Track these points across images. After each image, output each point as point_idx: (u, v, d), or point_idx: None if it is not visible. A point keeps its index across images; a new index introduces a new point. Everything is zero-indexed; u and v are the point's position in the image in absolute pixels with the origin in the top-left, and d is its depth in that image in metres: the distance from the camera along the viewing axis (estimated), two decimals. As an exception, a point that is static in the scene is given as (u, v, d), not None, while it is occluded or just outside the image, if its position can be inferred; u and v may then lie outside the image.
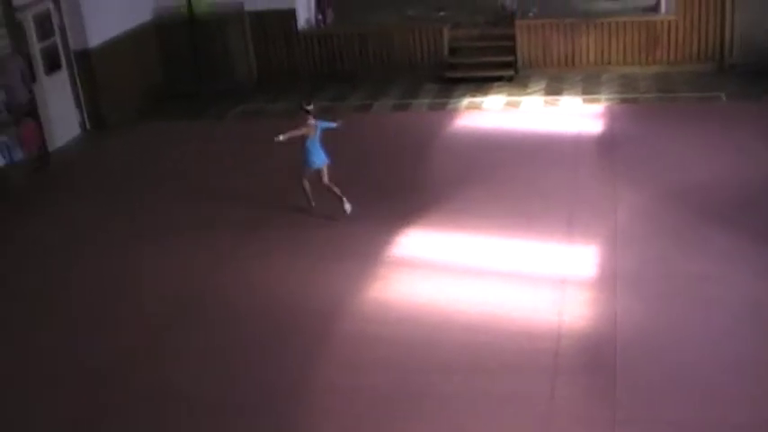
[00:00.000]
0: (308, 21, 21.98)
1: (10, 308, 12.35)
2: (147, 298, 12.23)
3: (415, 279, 12.03)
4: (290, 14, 21.50)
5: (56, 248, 14.01)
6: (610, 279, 11.52)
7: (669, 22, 20.08)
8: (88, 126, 19.64)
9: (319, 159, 13.80)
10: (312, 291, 11.95)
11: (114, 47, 19.98)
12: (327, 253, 12.97)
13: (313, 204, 14.15)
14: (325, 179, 13.88)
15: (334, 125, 14.03)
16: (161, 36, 21.80)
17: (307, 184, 14.06)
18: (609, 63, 20.52)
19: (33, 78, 17.48)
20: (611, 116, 17.59)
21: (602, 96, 18.90)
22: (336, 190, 13.87)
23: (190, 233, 14.03)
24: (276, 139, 13.49)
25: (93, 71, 19.37)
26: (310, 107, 13.73)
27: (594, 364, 9.85)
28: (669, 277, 11.50)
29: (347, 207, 13.89)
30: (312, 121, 13.71)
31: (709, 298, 10.95)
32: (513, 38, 20.81)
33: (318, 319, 11.24)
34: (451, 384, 9.77)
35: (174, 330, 11.39)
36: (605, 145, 16.13)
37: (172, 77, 21.85)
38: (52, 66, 18.64)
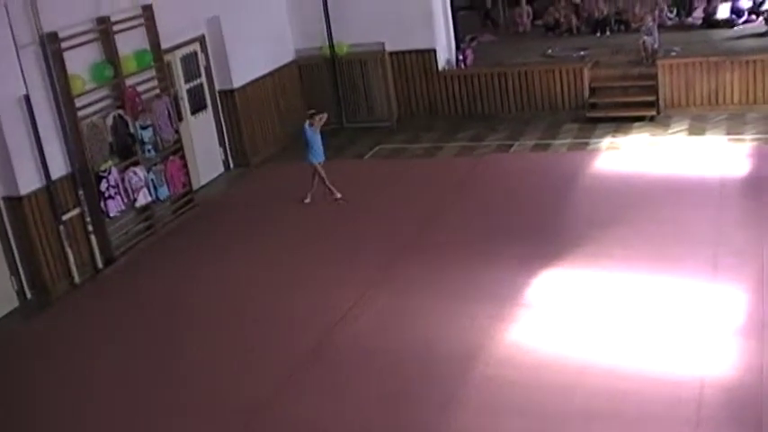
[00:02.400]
0: (448, 61, 22.13)
1: (155, 338, 12.70)
2: (284, 336, 12.40)
3: (554, 322, 11.88)
4: (431, 54, 21.66)
5: (202, 291, 14.37)
6: (757, 326, 11.15)
7: (818, 59, 19.52)
8: (231, 165, 20.09)
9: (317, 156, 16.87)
10: (448, 333, 11.90)
11: (257, 87, 20.47)
12: (464, 294, 12.93)
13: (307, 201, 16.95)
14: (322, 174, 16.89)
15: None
16: (303, 76, 22.22)
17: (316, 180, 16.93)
18: (755, 102, 20.00)
19: (180, 118, 17.98)
20: (758, 157, 17.11)
21: (748, 136, 18.42)
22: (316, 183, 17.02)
23: (327, 271, 14.19)
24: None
25: (237, 111, 19.86)
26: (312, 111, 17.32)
27: (739, 417, 9.54)
28: (819, 326, 11.11)
29: (308, 200, 17.04)
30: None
31: None
32: (654, 77, 20.50)
33: (455, 362, 11.18)
34: (591, 432, 9.61)
35: (312, 371, 11.49)
36: (752, 186, 15.68)
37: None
38: (198, 106, 19.17)
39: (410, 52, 21.69)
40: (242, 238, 16.21)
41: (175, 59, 18.46)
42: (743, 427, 9.39)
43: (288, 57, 21.95)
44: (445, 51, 22.14)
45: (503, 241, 14.44)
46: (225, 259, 15.34)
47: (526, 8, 26.71)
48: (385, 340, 11.96)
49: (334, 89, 22.14)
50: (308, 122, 16.93)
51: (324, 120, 17.20)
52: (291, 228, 16.39)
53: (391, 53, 21.78)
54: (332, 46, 21.85)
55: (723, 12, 24.53)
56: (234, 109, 19.87)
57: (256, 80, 20.52)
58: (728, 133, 18.65)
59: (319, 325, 12.54)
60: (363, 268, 14.18)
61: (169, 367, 12.07)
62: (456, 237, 15.01)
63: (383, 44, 21.69)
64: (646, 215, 14.86)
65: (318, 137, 16.97)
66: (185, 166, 17.64)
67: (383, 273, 13.91)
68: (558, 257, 13.64)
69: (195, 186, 18.36)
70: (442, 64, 21.90)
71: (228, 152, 20.10)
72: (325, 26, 21.77)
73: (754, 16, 24.17)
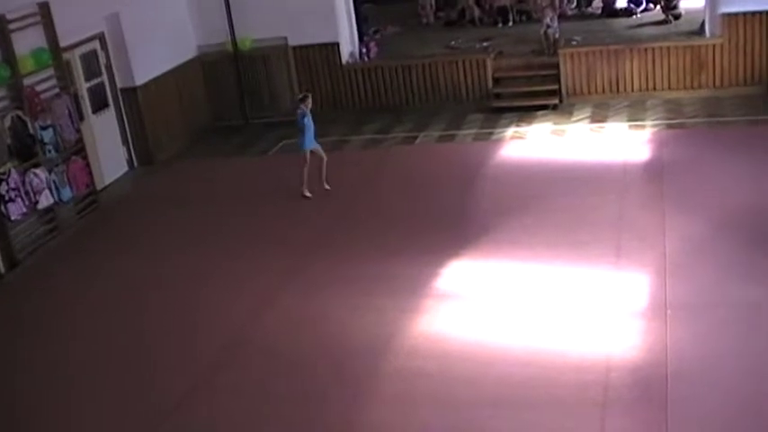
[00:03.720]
0: (351, 54, 22.09)
1: (65, 346, 12.47)
2: (196, 339, 12.25)
3: (462, 312, 11.95)
4: (334, 48, 21.62)
5: (107, 291, 14.15)
6: (660, 308, 11.36)
7: (714, 45, 19.91)
8: (136, 163, 19.83)
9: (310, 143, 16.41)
10: (357, 328, 11.90)
11: (160, 84, 20.23)
12: (372, 288, 12.93)
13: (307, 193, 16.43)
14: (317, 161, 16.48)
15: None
16: (206, 72, 22.03)
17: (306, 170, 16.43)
18: (654, 89, 20.36)
19: (81, 117, 17.67)
20: (658, 142, 17.41)
21: (648, 122, 18.76)
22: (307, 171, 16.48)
23: (233, 273, 14.04)
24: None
25: (140, 109, 19.60)
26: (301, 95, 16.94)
27: (645, 397, 9.71)
28: (721, 306, 11.33)
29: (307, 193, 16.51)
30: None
31: (763, 327, 10.75)
32: (556, 66, 20.75)
33: (365, 357, 11.18)
34: (501, 419, 9.69)
35: (224, 371, 11.39)
36: (653, 172, 15.95)
37: (217, 113, 22.07)
38: (99, 104, 18.88)
39: (313, 46, 21.57)
40: (145, 237, 16.01)
41: (75, 58, 18.12)
42: (649, 405, 9.55)
43: (190, 53, 21.72)
44: (349, 45, 22.10)
45: (410, 233, 14.48)
46: (128, 259, 15.10)
47: (429, 0, 26.78)
48: (294, 339, 11.89)
49: (238, 85, 21.97)
50: (302, 106, 16.48)
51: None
52: (195, 225, 16.20)
53: (295, 47, 21.65)
54: (234, 41, 21.68)
55: (622, 1, 24.92)
56: (136, 107, 19.58)
57: (159, 77, 20.24)
58: (630, 120, 18.96)
59: (227, 325, 12.45)
60: (270, 266, 14.07)
61: (74, 371, 11.85)
62: (363, 230, 15.01)
63: (286, 39, 21.56)
64: (551, 203, 15.03)
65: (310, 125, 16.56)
66: (88, 165, 17.32)
67: (290, 270, 13.83)
68: (465, 247, 13.72)
69: (99, 186, 18.06)
70: (345, 57, 21.85)
71: (132, 151, 19.80)
72: (227, 21, 21.58)
73: (651, 5, 24.58)
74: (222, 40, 21.76)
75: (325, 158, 16.51)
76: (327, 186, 16.59)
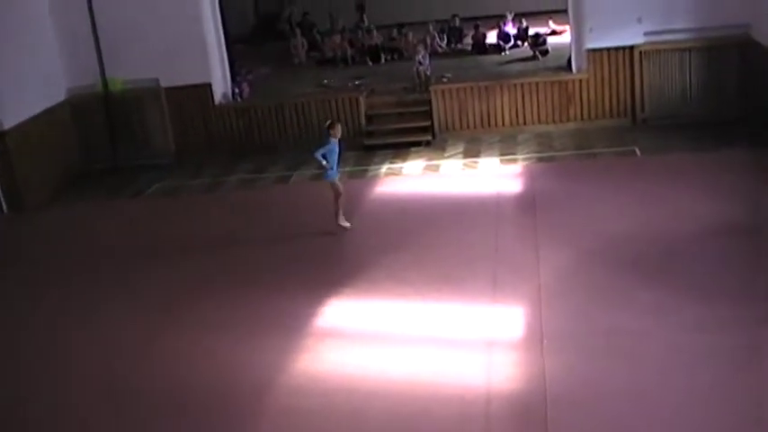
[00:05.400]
0: (224, 95, 22.00)
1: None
2: (70, 387, 11.93)
3: (343, 349, 11.95)
4: (206, 89, 21.52)
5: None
6: (536, 338, 11.55)
7: (581, 80, 20.48)
8: (5, 208, 19.36)
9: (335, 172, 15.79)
10: (238, 367, 11.79)
11: (29, 127, 19.80)
12: (253, 328, 12.83)
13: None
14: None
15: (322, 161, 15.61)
16: (77, 115, 21.66)
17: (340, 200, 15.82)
18: (525, 123, 20.82)
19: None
20: (530, 175, 17.78)
21: (520, 156, 19.13)
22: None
23: (112, 314, 13.79)
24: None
25: (8, 153, 19.14)
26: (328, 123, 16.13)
27: (525, 425, 9.83)
28: (594, 333, 11.57)
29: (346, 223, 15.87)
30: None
31: (635, 352, 11.02)
32: (428, 103, 21.02)
33: (246, 395, 11.09)
34: (384, 455, 9.71)
35: (101, 413, 11.13)
36: (525, 204, 16.26)
37: (89, 156, 21.70)
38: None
39: (186, 87, 21.43)
40: (15, 281, 15.66)
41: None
42: (529, 434, 9.69)
43: (60, 95, 21.35)
44: (221, 85, 22.02)
45: (289, 272, 14.45)
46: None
47: (301, 39, 26.89)
48: (173, 381, 11.71)
49: (109, 127, 21.65)
50: (330, 134, 15.73)
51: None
52: (69, 266, 15.91)
53: (167, 88, 21.47)
54: (105, 83, 21.41)
55: (492, 38, 25.43)
56: (5, 151, 19.12)
57: (28, 120, 19.83)
58: (502, 154, 19.31)
59: (104, 368, 12.20)
60: (148, 308, 13.88)
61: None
62: (241, 270, 14.89)
63: (158, 80, 21.38)
64: (427, 238, 15.18)
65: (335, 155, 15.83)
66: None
67: (167, 312, 13.65)
68: (346, 285, 13.75)
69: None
70: (218, 98, 21.77)
71: (1, 195, 19.32)
72: (97, 62, 21.30)
73: (520, 42, 25.17)
74: (93, 82, 21.46)
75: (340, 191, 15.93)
76: (346, 224, 16.02)
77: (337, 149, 15.81)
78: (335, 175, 15.85)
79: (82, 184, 20.89)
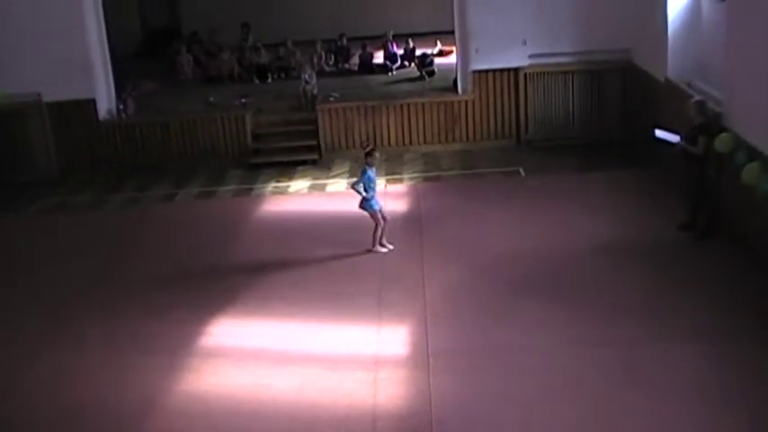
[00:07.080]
0: (109, 111, 21.60)
1: None
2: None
3: (227, 369, 11.78)
4: (90, 104, 21.10)
5: None
6: (422, 356, 11.57)
7: (467, 101, 20.69)
8: None
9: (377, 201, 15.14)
10: (118, 389, 11.49)
11: None
12: (134, 348, 12.56)
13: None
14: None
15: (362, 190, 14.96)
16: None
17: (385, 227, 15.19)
18: (411, 143, 20.94)
19: None
20: (416, 194, 17.88)
21: (406, 176, 19.20)
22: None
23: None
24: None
25: None
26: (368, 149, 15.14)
27: (411, 443, 9.82)
28: (481, 350, 11.66)
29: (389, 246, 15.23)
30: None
31: (522, 367, 11.14)
32: (315, 122, 20.99)
33: (126, 418, 10.83)
34: (268, 475, 9.57)
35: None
36: (411, 223, 16.33)
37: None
38: None
39: (69, 102, 20.98)
40: None
41: None
42: (415, 454, 9.66)
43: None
44: (105, 101, 21.61)
45: (173, 291, 14.23)
46: None
47: (187, 56, 26.61)
48: (54, 401, 11.39)
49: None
50: (367, 162, 14.98)
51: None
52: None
53: (49, 103, 20.98)
54: (-16, 96, 20.80)
55: (378, 58, 25.52)
56: None
57: None
58: (388, 174, 19.34)
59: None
60: (29, 326, 13.49)
61: None
62: (126, 290, 14.58)
63: (39, 94, 20.86)
64: (311, 257, 15.13)
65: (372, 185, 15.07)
66: None
67: (51, 331, 13.30)
68: (229, 303, 13.60)
69: None
70: (102, 114, 21.35)
71: None
72: (-26, 76, 20.73)
73: (407, 62, 25.31)
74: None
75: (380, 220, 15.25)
76: (390, 246, 15.35)
77: (375, 177, 15.07)
78: (377, 206, 15.14)
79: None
